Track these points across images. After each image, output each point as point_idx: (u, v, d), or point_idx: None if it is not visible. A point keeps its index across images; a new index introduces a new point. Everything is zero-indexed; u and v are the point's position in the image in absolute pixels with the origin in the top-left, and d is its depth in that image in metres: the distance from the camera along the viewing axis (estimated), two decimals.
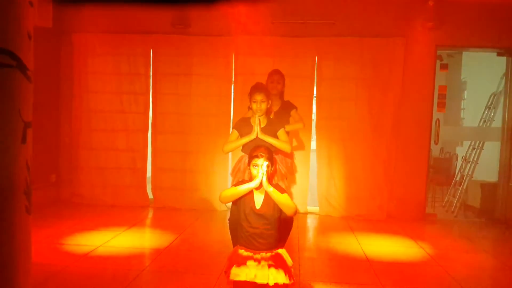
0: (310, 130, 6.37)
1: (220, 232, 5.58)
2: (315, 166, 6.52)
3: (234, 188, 2.87)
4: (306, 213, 6.53)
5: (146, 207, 6.62)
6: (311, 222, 6.23)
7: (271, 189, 2.73)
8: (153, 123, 6.70)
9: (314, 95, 6.48)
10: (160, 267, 4.09)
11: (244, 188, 2.79)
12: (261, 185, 2.72)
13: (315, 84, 6.44)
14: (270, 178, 2.79)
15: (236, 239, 3.04)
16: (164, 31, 6.50)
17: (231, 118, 6.48)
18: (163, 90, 6.59)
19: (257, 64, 6.21)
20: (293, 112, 4.57)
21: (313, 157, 6.53)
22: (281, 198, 2.75)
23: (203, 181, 6.56)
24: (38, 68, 2.75)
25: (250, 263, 2.70)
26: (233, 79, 6.53)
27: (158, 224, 5.94)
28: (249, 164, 2.86)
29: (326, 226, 6.03)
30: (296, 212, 2.81)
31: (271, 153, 2.86)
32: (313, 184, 6.66)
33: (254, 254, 2.74)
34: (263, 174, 2.70)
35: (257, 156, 2.77)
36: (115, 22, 6.50)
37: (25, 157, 1.87)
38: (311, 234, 5.86)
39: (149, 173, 6.78)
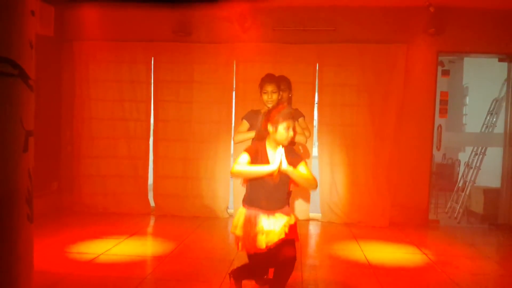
0: (312, 136, 6.37)
1: (222, 240, 5.56)
2: (317, 173, 6.50)
3: (250, 167, 3.05)
4: (308, 220, 6.50)
5: (147, 214, 6.60)
6: (313, 229, 6.21)
7: (291, 169, 2.96)
8: (154, 130, 6.70)
9: (316, 102, 6.49)
10: (161, 275, 4.07)
11: (260, 170, 3.03)
12: (279, 168, 2.95)
13: (316, 90, 6.44)
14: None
15: None
16: (165, 39, 6.51)
17: (233, 124, 6.48)
18: (164, 97, 6.59)
19: (258, 71, 6.14)
20: (300, 120, 4.18)
21: (315, 163, 6.52)
22: (301, 176, 3.05)
23: (204, 188, 6.55)
24: (40, 75, 2.75)
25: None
26: (234, 86, 6.53)
27: (160, 232, 5.92)
28: (274, 123, 3.08)
29: (329, 233, 6.01)
30: (317, 186, 3.17)
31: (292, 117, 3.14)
32: (315, 191, 6.63)
33: (268, 214, 3.11)
34: (281, 156, 2.92)
35: (291, 118, 3.08)
36: (116, 30, 6.53)
37: (26, 165, 1.87)
38: (313, 241, 5.84)
39: (150, 181, 6.77)
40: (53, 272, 4.00)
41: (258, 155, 3.13)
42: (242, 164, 3.06)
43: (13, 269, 1.83)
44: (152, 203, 6.73)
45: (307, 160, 6.26)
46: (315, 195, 6.62)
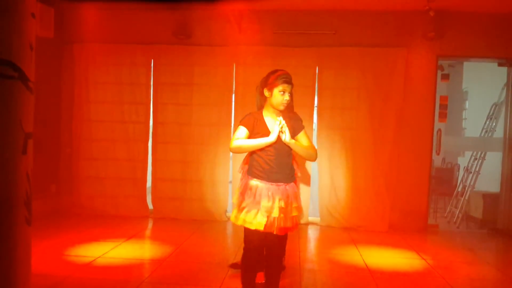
0: (311, 140, 6.36)
1: (221, 243, 5.55)
2: (316, 176, 6.50)
3: (249, 140, 2.98)
4: (307, 224, 6.49)
5: (146, 217, 6.59)
6: (312, 233, 6.19)
7: (293, 142, 2.94)
8: (153, 133, 6.69)
9: (315, 105, 6.48)
10: (159, 279, 4.05)
11: (260, 142, 2.96)
12: (278, 137, 2.93)
13: (316, 94, 6.44)
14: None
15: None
16: (165, 41, 6.51)
17: (232, 127, 6.48)
18: (164, 100, 6.59)
19: (258, 74, 6.13)
20: None
21: (314, 167, 6.51)
22: (302, 149, 3.02)
23: (203, 191, 6.53)
24: (39, 77, 2.75)
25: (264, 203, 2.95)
26: (233, 89, 6.53)
27: (158, 235, 5.90)
28: (270, 88, 3.03)
29: (328, 237, 6.00)
30: (316, 157, 3.12)
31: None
32: (314, 194, 6.63)
33: (271, 184, 2.98)
34: (281, 125, 2.88)
35: (286, 82, 3.00)
36: (116, 32, 6.53)
37: (25, 168, 1.86)
38: (312, 245, 5.82)
39: (149, 183, 6.76)
40: (51, 274, 3.99)
41: (255, 126, 3.04)
42: (240, 138, 2.99)
43: (11, 272, 1.82)
44: (150, 206, 6.72)
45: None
46: (314, 198, 6.61)
